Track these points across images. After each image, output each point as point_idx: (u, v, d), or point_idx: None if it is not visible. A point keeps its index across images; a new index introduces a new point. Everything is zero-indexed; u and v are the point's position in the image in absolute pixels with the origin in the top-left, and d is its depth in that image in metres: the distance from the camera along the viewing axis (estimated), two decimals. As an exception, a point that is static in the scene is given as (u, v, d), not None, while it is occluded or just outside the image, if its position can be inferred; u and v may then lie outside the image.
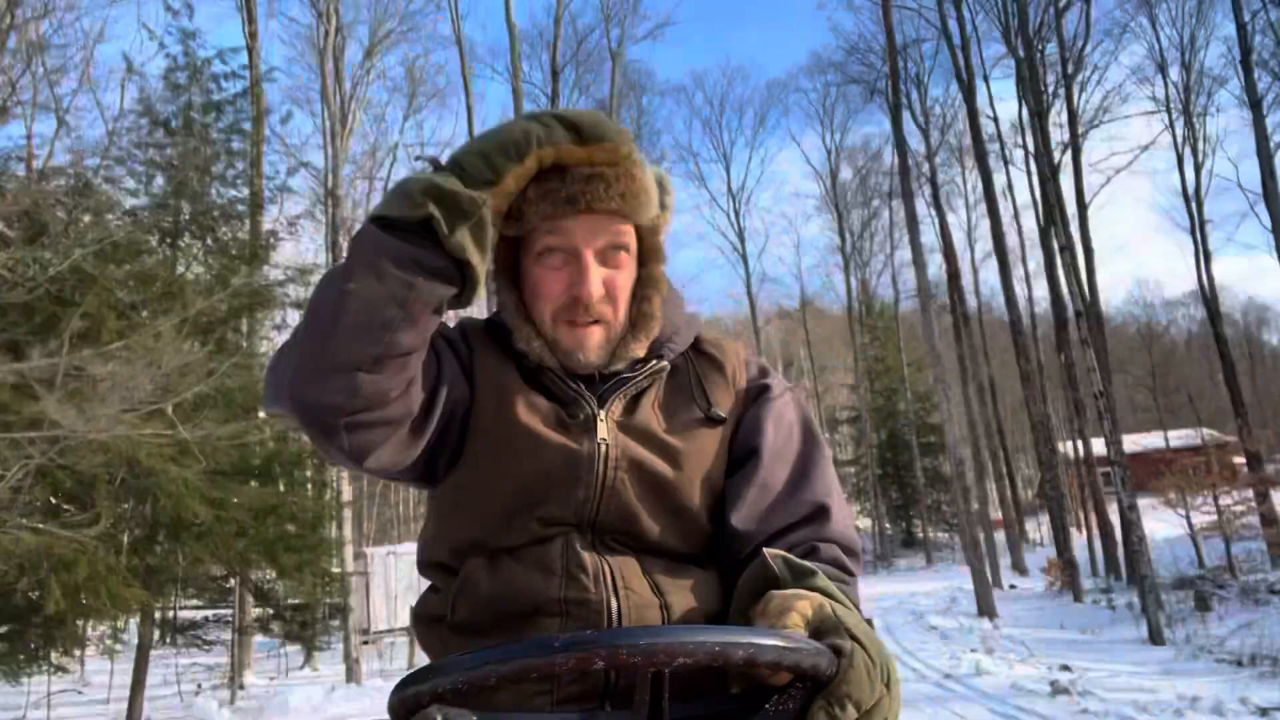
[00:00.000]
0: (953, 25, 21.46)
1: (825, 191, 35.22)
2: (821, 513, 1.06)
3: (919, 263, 18.08)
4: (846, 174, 35.18)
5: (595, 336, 1.07)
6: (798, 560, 0.94)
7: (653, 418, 1.09)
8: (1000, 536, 26.65)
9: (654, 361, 1.12)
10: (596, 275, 1.05)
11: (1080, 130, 22.03)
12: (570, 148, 0.98)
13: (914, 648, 12.06)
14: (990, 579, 21.87)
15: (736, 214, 36.34)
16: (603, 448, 1.05)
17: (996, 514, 30.66)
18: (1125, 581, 17.78)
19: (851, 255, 34.87)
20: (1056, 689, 7.94)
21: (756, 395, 1.16)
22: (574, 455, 1.04)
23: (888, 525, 35.28)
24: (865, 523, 35.35)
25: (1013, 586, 22.43)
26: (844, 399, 41.82)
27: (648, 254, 1.12)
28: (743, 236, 36.15)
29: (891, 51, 19.50)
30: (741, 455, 1.11)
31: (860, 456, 36.70)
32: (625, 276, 1.09)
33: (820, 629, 0.83)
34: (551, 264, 1.06)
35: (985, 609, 15.84)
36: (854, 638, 0.80)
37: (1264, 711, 7.07)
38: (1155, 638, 12.25)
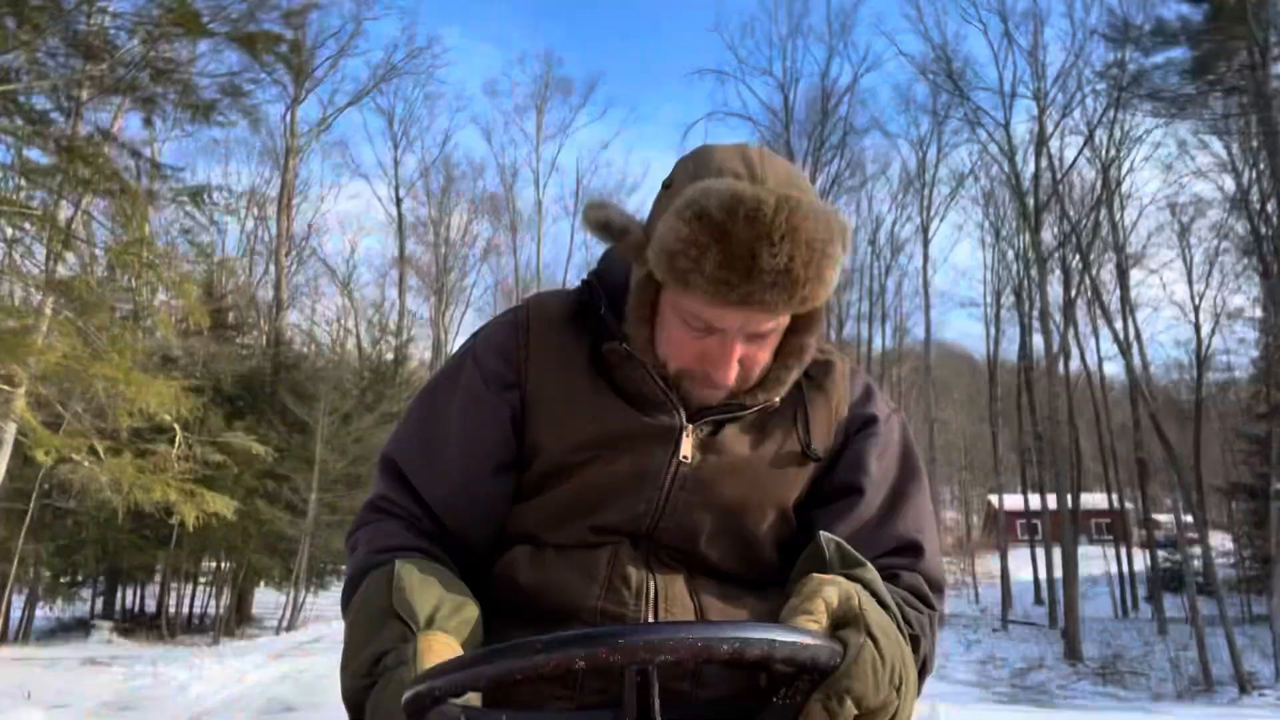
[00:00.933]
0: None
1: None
2: (912, 549, 1.01)
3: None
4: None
5: (719, 396, 0.99)
6: (851, 549, 0.88)
7: (741, 439, 1.01)
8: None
9: (762, 396, 1.01)
10: (736, 360, 0.95)
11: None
12: (759, 246, 0.86)
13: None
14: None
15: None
16: (674, 464, 0.98)
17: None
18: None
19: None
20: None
21: (861, 426, 1.06)
22: (642, 469, 0.98)
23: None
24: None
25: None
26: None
27: (802, 323, 1.00)
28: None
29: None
30: (841, 490, 1.03)
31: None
32: (768, 347, 0.99)
33: (842, 619, 0.76)
34: (693, 327, 0.95)
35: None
36: (870, 634, 0.73)
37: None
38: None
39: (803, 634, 0.71)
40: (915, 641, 0.88)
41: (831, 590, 0.79)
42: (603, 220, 1.00)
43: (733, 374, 0.96)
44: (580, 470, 1.00)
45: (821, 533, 0.91)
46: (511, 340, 1.07)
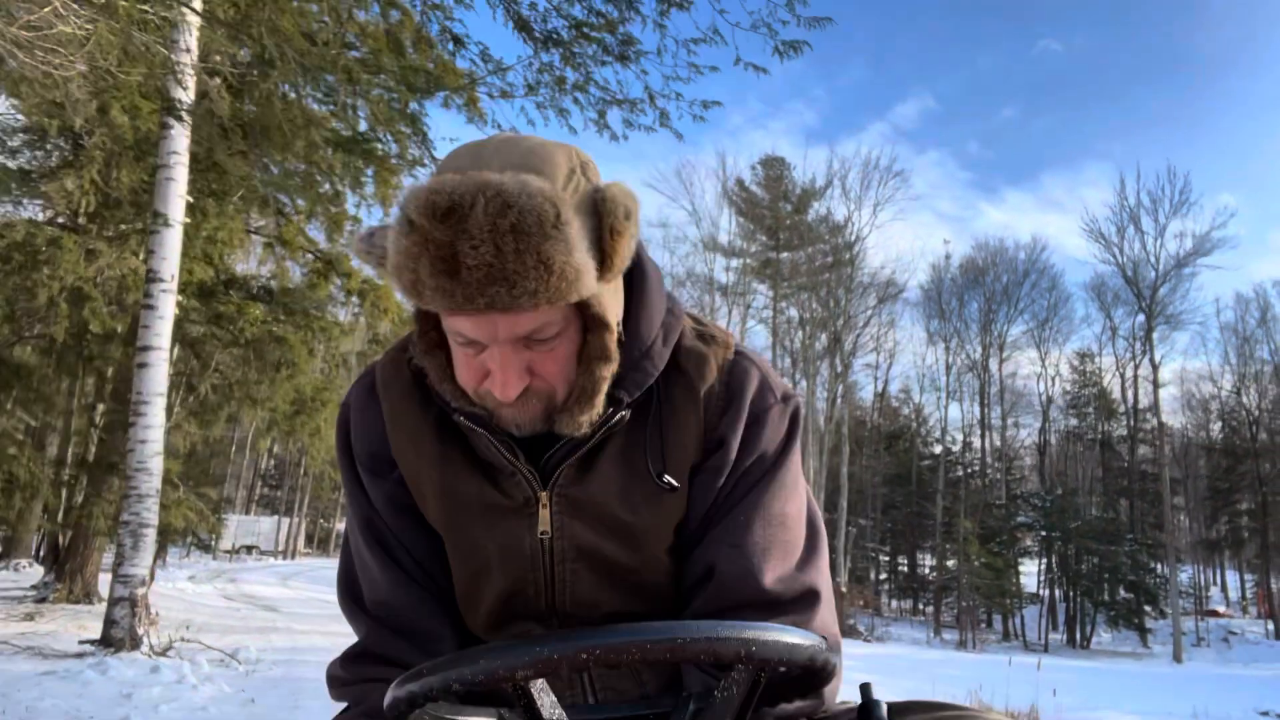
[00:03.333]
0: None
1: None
2: (810, 597, 0.90)
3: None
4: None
5: (531, 411, 0.87)
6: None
7: (608, 486, 0.90)
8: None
9: (609, 410, 0.88)
10: (516, 370, 0.84)
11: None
12: (458, 243, 0.74)
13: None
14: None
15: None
16: (545, 541, 0.91)
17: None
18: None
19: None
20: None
21: (724, 408, 0.93)
22: (511, 552, 0.91)
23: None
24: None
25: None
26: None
27: (590, 322, 0.86)
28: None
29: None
30: (706, 500, 0.92)
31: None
32: (560, 354, 0.86)
33: None
34: (465, 349, 0.85)
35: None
36: None
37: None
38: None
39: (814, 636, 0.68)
40: None
41: None
42: (369, 239, 0.86)
43: (513, 387, 0.84)
44: (455, 557, 0.95)
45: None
46: (372, 413, 0.99)
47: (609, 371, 0.88)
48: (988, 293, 41.33)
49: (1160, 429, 35.95)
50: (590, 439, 0.90)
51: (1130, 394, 40.87)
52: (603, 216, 0.83)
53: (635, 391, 0.91)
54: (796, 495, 0.95)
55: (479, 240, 0.75)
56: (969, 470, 41.81)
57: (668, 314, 0.95)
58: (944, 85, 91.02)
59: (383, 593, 0.96)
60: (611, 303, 0.88)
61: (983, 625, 36.20)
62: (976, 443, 42.21)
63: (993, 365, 41.45)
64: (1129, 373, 40.71)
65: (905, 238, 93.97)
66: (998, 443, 42.00)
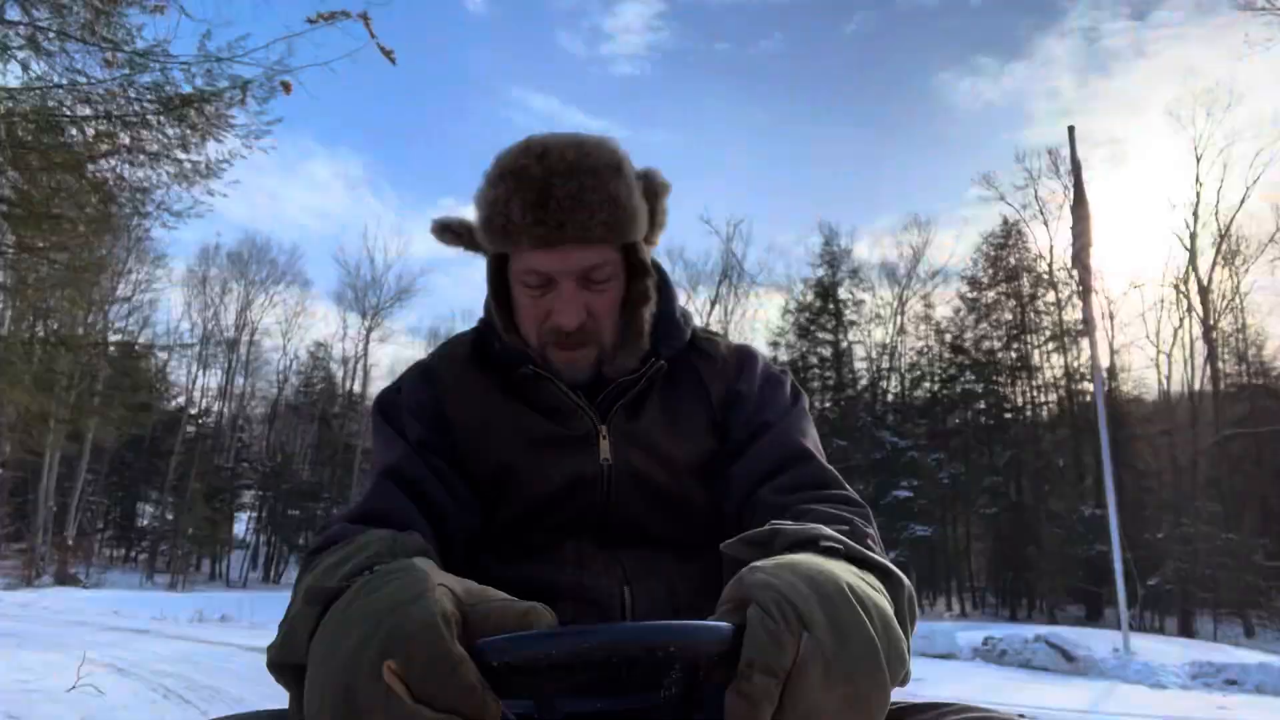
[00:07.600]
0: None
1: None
2: (802, 455, 1.07)
3: None
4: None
5: (585, 356, 1.07)
6: (790, 525, 0.86)
7: (655, 423, 1.09)
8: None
9: (652, 361, 1.09)
10: (576, 305, 1.03)
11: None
12: (551, 179, 0.99)
13: None
14: None
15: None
16: (605, 467, 1.05)
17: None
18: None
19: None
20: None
21: (739, 372, 1.16)
22: (576, 478, 1.04)
23: None
24: None
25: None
26: None
27: (634, 269, 1.08)
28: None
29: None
30: (723, 435, 1.12)
31: None
32: (610, 298, 1.06)
33: (737, 601, 0.72)
34: (532, 289, 1.05)
35: None
36: (756, 600, 0.67)
37: None
38: None
39: (673, 626, 0.66)
40: (880, 569, 0.81)
41: (731, 586, 0.73)
42: (442, 224, 1.11)
43: (574, 316, 1.03)
44: (517, 492, 1.04)
45: (722, 546, 0.89)
46: (425, 391, 1.10)
47: (649, 313, 1.10)
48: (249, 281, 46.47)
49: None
50: (638, 382, 1.08)
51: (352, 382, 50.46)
52: (647, 179, 1.08)
53: (670, 349, 1.12)
54: (815, 445, 1.11)
55: (566, 176, 0.99)
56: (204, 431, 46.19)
57: (685, 313, 1.19)
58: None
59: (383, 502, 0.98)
60: (646, 264, 1.09)
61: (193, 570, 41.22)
62: (219, 406, 46.82)
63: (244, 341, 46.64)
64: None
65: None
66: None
